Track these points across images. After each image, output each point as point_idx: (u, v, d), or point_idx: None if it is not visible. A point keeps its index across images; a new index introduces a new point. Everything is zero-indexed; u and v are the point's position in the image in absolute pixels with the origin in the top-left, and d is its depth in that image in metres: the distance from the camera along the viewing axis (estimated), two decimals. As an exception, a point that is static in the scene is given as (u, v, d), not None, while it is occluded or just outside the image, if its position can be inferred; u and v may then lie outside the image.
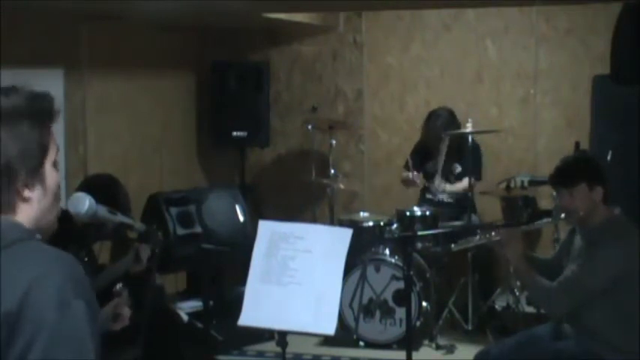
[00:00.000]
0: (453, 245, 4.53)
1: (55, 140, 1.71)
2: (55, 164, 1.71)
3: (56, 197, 1.74)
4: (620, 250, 3.64)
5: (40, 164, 1.66)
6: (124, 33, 6.36)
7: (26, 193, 1.65)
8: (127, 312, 3.21)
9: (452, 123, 6.33)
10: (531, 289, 4.02)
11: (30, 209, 1.66)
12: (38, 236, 1.68)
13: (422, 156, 6.53)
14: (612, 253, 3.64)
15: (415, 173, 6.27)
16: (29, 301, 1.53)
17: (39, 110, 1.66)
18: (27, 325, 1.52)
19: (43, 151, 1.67)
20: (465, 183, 6.25)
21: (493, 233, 3.99)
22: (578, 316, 3.76)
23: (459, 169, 6.38)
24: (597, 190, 3.71)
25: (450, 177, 6.43)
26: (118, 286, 3.27)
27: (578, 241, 3.84)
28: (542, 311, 5.62)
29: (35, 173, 1.66)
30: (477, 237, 4.13)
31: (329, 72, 7.37)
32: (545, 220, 4.55)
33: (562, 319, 3.90)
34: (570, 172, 3.79)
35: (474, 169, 6.22)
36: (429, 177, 6.50)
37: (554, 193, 5.59)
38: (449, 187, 6.29)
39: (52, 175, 1.70)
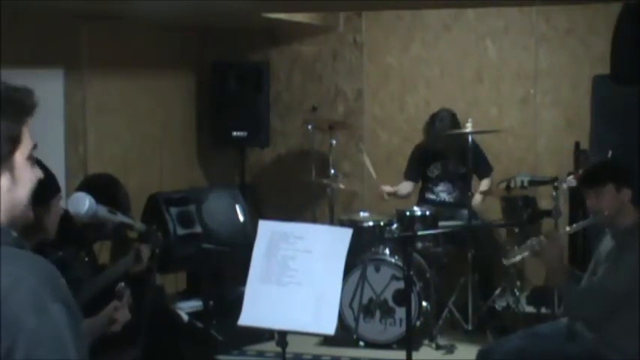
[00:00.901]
0: (504, 260, 4.54)
1: (30, 136, 1.71)
2: (30, 159, 1.71)
3: (30, 191, 1.72)
4: None
5: (8, 154, 1.66)
6: (124, 33, 6.36)
7: None
8: (122, 316, 3.21)
9: (455, 124, 6.34)
10: (566, 296, 4.00)
11: None
12: (14, 233, 1.67)
13: (423, 160, 6.54)
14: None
15: (389, 188, 6.30)
16: (6, 306, 1.52)
17: (11, 102, 1.66)
18: (6, 330, 1.51)
19: (13, 142, 1.66)
20: (485, 183, 6.36)
21: (536, 241, 3.98)
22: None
23: (461, 169, 6.39)
24: (625, 191, 3.75)
25: (454, 179, 6.44)
26: (121, 285, 3.27)
27: (605, 243, 3.85)
28: (542, 310, 5.63)
29: (3, 161, 1.65)
30: (523, 247, 4.13)
31: (329, 72, 7.37)
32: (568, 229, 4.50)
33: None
34: (597, 173, 3.87)
35: (483, 166, 6.37)
36: (431, 180, 6.50)
37: (554, 193, 5.61)
38: (478, 197, 6.26)
39: (25, 169, 1.69)
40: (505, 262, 4.53)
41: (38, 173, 1.74)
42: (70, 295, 1.61)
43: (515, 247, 4.31)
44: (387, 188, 6.33)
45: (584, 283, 3.84)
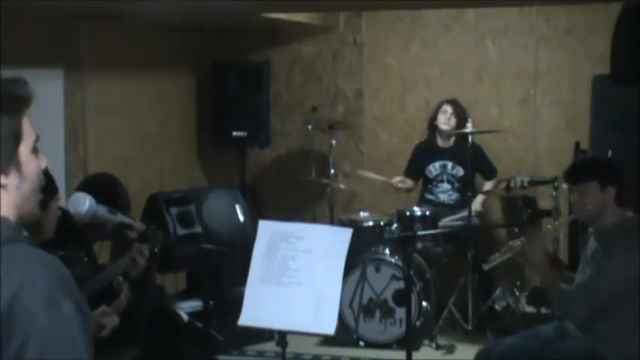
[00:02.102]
0: (484, 265, 4.54)
1: (32, 127, 1.68)
2: (34, 151, 1.69)
3: (37, 183, 1.71)
4: (635, 254, 3.64)
5: (13, 150, 1.64)
6: (124, 33, 6.36)
7: (2, 179, 1.63)
8: (110, 321, 3.18)
9: (462, 112, 6.39)
10: (552, 296, 4.00)
11: (8, 196, 1.65)
12: (25, 233, 1.67)
13: (422, 159, 6.54)
14: (626, 255, 3.63)
15: (400, 178, 6.35)
16: (19, 303, 1.53)
17: (8, 96, 1.63)
18: (19, 326, 1.52)
19: (16, 138, 1.64)
20: (489, 184, 6.40)
21: (517, 243, 4.00)
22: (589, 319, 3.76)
23: (461, 172, 6.39)
24: (609, 190, 3.72)
25: (453, 181, 6.44)
26: (118, 279, 3.27)
27: (591, 244, 3.85)
28: (543, 310, 5.63)
29: (9, 159, 1.63)
30: (503, 249, 4.14)
31: (329, 72, 7.36)
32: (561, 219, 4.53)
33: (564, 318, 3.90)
34: (582, 170, 3.84)
35: (487, 167, 6.43)
36: (430, 181, 6.50)
37: (554, 193, 5.61)
38: (479, 198, 6.27)
39: (30, 162, 1.68)
40: (484, 266, 4.53)
41: (44, 162, 1.72)
42: (80, 294, 1.62)
43: (496, 254, 4.30)
44: (398, 178, 6.37)
45: (582, 278, 3.82)
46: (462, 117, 6.36)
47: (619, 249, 3.65)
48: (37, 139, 1.70)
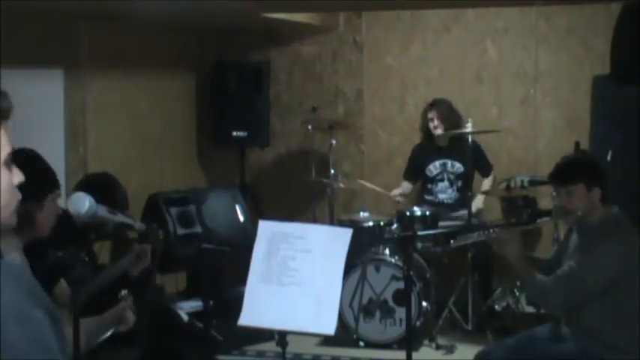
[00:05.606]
0: (452, 241, 4.53)
1: (7, 140, 1.60)
2: (7, 164, 1.60)
3: (9, 198, 1.61)
4: (617, 249, 3.65)
5: None
6: (124, 33, 6.36)
7: None
8: (131, 316, 3.23)
9: (452, 112, 6.42)
10: (528, 286, 4.03)
11: None
12: None
13: (422, 159, 6.55)
14: (610, 252, 3.64)
15: (399, 191, 6.42)
16: None
17: None
18: None
19: None
20: (487, 182, 6.45)
21: (492, 230, 3.99)
22: (576, 316, 3.76)
23: (461, 169, 6.40)
24: (595, 190, 3.71)
25: (452, 179, 6.45)
26: (123, 292, 3.29)
27: (574, 239, 3.85)
28: (542, 310, 5.63)
29: None
30: (476, 233, 4.12)
31: (329, 72, 7.36)
32: (545, 218, 4.54)
33: (560, 319, 3.90)
34: (569, 172, 3.80)
35: (484, 164, 6.45)
36: (430, 180, 6.50)
37: (554, 193, 5.61)
38: (480, 197, 6.32)
39: (3, 176, 1.58)
40: (453, 243, 4.51)
41: (17, 178, 1.64)
42: (49, 300, 1.58)
43: (469, 234, 4.25)
44: (396, 191, 6.40)
45: (562, 269, 3.81)
46: (449, 117, 6.38)
47: (602, 245, 3.65)
48: (10, 153, 1.60)
